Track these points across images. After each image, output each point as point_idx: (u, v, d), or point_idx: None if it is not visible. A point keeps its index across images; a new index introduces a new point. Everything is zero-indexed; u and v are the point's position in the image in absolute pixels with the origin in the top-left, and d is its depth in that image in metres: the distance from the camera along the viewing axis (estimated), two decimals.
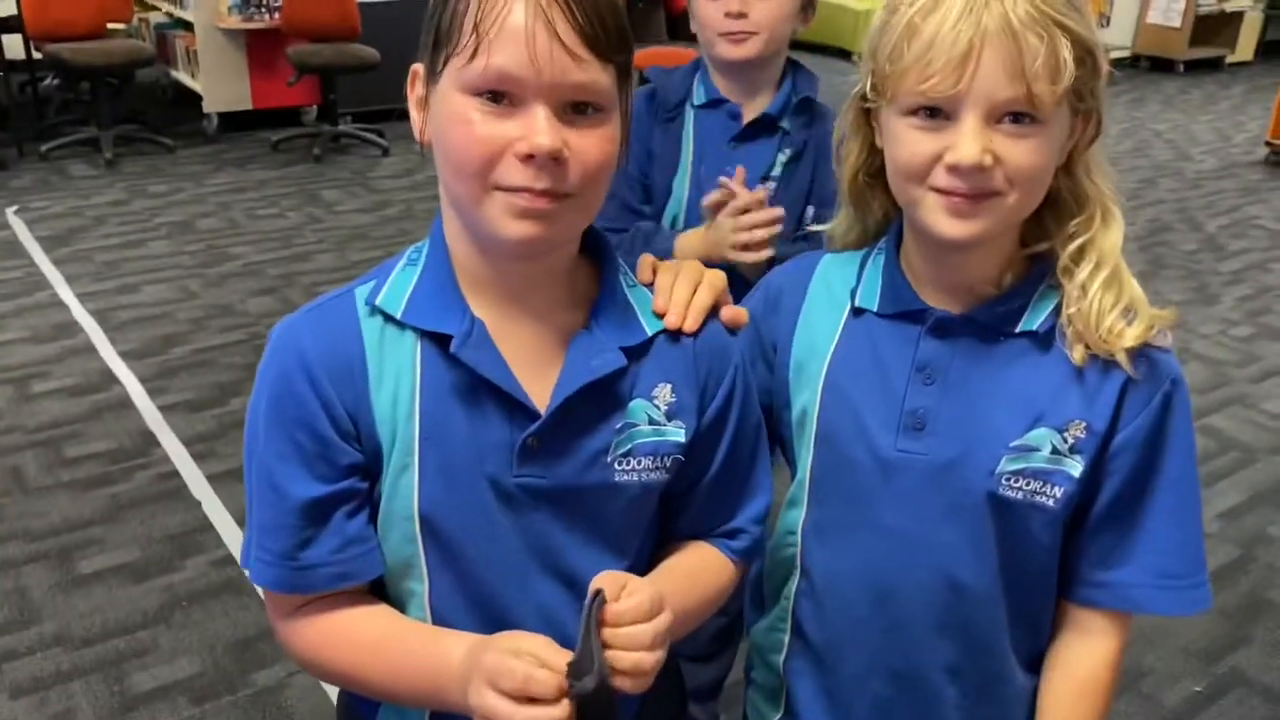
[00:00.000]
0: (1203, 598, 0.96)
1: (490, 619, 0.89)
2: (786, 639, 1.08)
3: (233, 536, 2.69)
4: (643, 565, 0.96)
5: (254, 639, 2.34)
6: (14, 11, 5.69)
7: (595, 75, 0.80)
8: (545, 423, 0.87)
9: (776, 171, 1.58)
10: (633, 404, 0.90)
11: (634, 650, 0.78)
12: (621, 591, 0.80)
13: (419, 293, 0.88)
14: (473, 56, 0.79)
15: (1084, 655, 0.99)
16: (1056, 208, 0.94)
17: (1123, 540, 0.95)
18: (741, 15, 1.52)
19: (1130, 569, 0.95)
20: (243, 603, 2.45)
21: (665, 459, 0.92)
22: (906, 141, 0.90)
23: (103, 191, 5.24)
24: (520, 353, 0.87)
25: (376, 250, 4.63)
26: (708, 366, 0.94)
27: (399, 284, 0.89)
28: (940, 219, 0.89)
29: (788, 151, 1.60)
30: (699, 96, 1.63)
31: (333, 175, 5.67)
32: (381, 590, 0.93)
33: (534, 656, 0.76)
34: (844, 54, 8.98)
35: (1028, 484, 0.93)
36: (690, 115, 1.64)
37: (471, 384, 0.86)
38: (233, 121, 6.26)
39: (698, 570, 0.97)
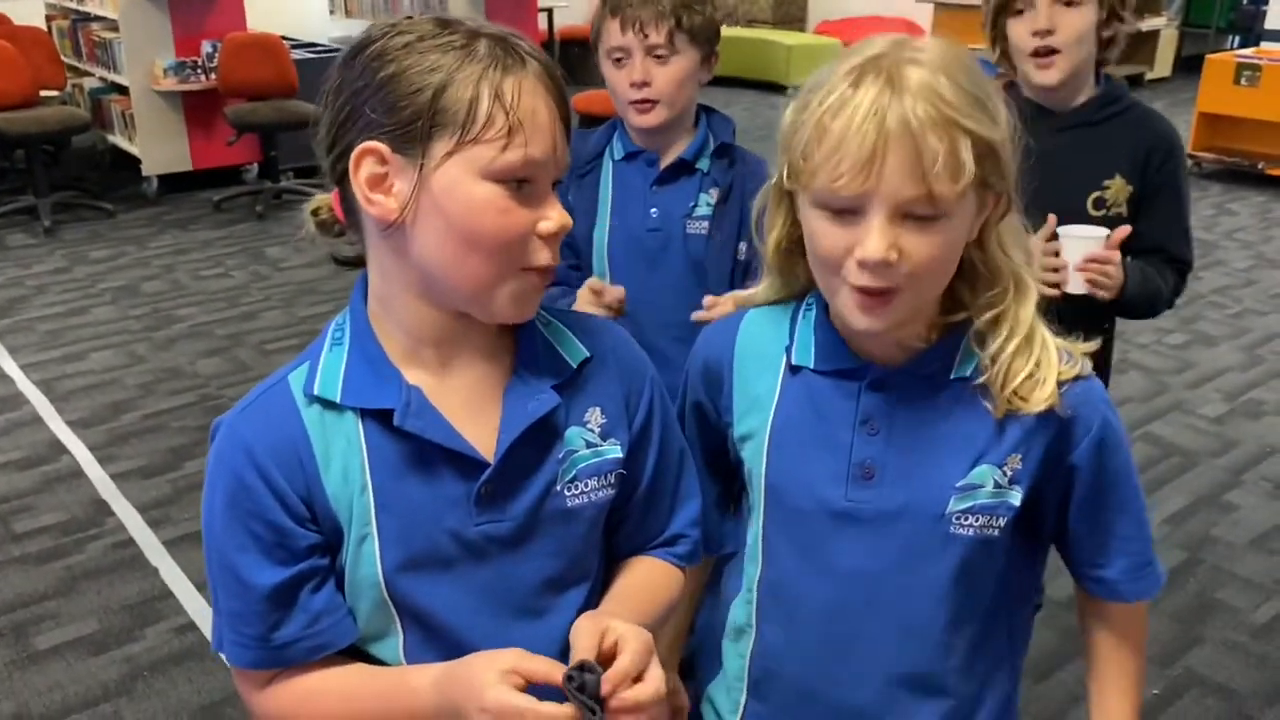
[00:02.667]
0: (1160, 575, 1.09)
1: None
2: (743, 700, 1.11)
3: (194, 603, 2.66)
4: (600, 585, 1.01)
5: (220, 703, 2.32)
6: None
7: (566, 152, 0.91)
8: (495, 469, 0.91)
9: (704, 212, 1.66)
10: (569, 432, 0.96)
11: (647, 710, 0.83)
12: (604, 640, 0.85)
13: (352, 372, 0.91)
14: (506, 148, 0.85)
15: (1106, 639, 1.11)
16: (971, 278, 0.98)
17: (1098, 544, 1.06)
18: (644, 84, 1.61)
19: (1109, 569, 1.07)
20: (206, 668, 2.43)
21: (609, 475, 0.98)
22: (820, 234, 0.93)
23: (43, 260, 5.19)
24: (458, 409, 0.92)
25: (325, 305, 4.62)
26: (628, 384, 1.01)
27: (330, 367, 0.92)
28: (853, 313, 0.94)
29: (713, 193, 1.68)
30: (618, 151, 1.73)
31: (277, 232, 5.66)
32: (358, 652, 0.95)
33: (535, 712, 0.80)
34: (777, 88, 9.15)
35: (976, 519, 0.99)
36: (609, 168, 1.73)
37: (419, 449, 0.90)
38: (173, 183, 6.23)
39: (652, 586, 1.03)
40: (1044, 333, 0.98)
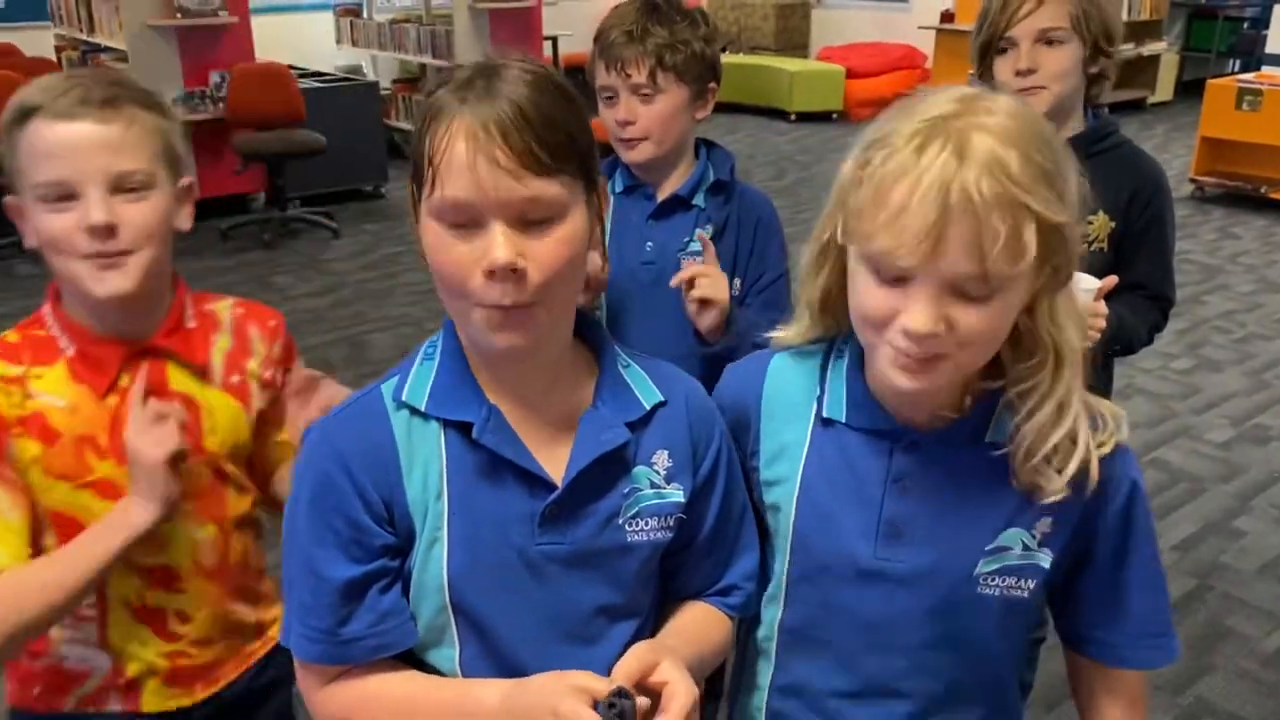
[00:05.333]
0: (1177, 647, 1.07)
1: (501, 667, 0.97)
2: None
3: None
4: (651, 624, 1.04)
5: None
6: None
7: (540, 189, 0.87)
8: (562, 493, 0.95)
9: (697, 247, 1.68)
10: (636, 470, 0.99)
11: None
12: (651, 675, 0.88)
13: (438, 386, 0.96)
14: (433, 189, 0.88)
15: (1117, 697, 1.07)
16: (1013, 344, 0.96)
17: (1109, 611, 1.04)
18: (629, 123, 1.65)
19: (1120, 634, 1.05)
20: None
21: (669, 519, 1.01)
22: (867, 294, 0.92)
23: None
24: (534, 432, 0.97)
25: (332, 333, 4.65)
26: (697, 432, 1.03)
27: (420, 379, 0.97)
28: (892, 372, 0.92)
29: (709, 229, 1.70)
30: (618, 184, 1.75)
31: (284, 260, 5.70)
32: (416, 661, 0.99)
33: None
34: (780, 113, 9.21)
35: (1003, 580, 0.99)
36: (610, 200, 1.74)
37: (493, 463, 0.95)
38: None
39: (704, 629, 1.06)
40: (1078, 408, 0.95)
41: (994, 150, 0.85)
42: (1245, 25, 9.77)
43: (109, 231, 1.15)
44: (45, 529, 1.23)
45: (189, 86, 6.08)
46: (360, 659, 0.96)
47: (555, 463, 0.96)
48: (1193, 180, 6.78)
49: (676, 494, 1.01)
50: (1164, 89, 9.70)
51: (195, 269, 5.46)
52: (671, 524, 1.01)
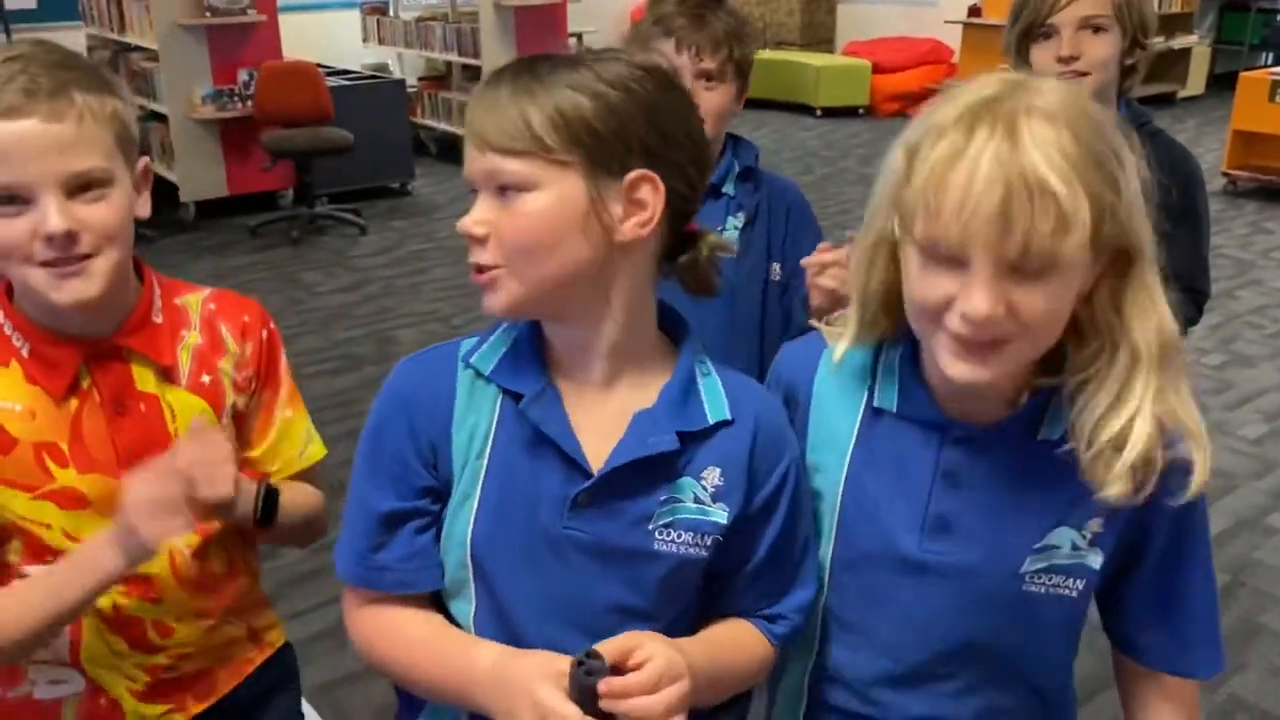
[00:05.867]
0: (1221, 664, 1.07)
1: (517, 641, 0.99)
2: (801, 708, 1.13)
3: None
4: (675, 635, 1.00)
5: None
6: None
7: (502, 162, 0.93)
8: (596, 483, 0.96)
9: (731, 235, 1.68)
10: (681, 480, 0.98)
11: None
12: (632, 655, 0.87)
13: (508, 356, 1.01)
14: None
15: (1172, 702, 1.06)
16: (1075, 337, 0.94)
17: (1161, 614, 1.03)
18: None
19: (1166, 639, 1.04)
20: None
21: (705, 537, 0.99)
22: (922, 280, 0.91)
23: None
24: (588, 419, 0.98)
25: (359, 329, 4.67)
26: (762, 455, 1.01)
27: (495, 346, 1.02)
28: (950, 362, 0.91)
29: (740, 216, 1.70)
30: None
31: (312, 257, 5.73)
32: (442, 609, 1.03)
33: None
34: (805, 109, 9.18)
35: (1050, 579, 0.99)
36: None
37: (537, 440, 0.97)
38: (210, 209, 6.33)
39: (737, 643, 1.04)
40: (1142, 403, 0.91)
41: (1046, 133, 0.85)
42: (1278, 17, 9.65)
43: (69, 238, 1.05)
44: (8, 540, 1.15)
45: (218, 84, 6.13)
46: (387, 589, 1.01)
47: (601, 453, 0.97)
48: (1225, 174, 6.71)
49: (720, 514, 0.99)
50: (1195, 82, 9.59)
51: (224, 266, 5.52)
52: (707, 543, 0.99)
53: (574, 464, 0.96)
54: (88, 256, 1.08)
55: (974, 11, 8.80)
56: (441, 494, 1.00)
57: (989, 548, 0.99)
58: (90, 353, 1.15)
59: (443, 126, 7.92)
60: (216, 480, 1.06)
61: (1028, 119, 0.85)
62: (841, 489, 1.04)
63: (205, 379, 1.21)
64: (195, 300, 1.25)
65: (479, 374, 1.00)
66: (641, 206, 0.95)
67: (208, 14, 5.97)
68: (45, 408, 1.13)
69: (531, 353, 1.00)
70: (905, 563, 1.01)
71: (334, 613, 2.69)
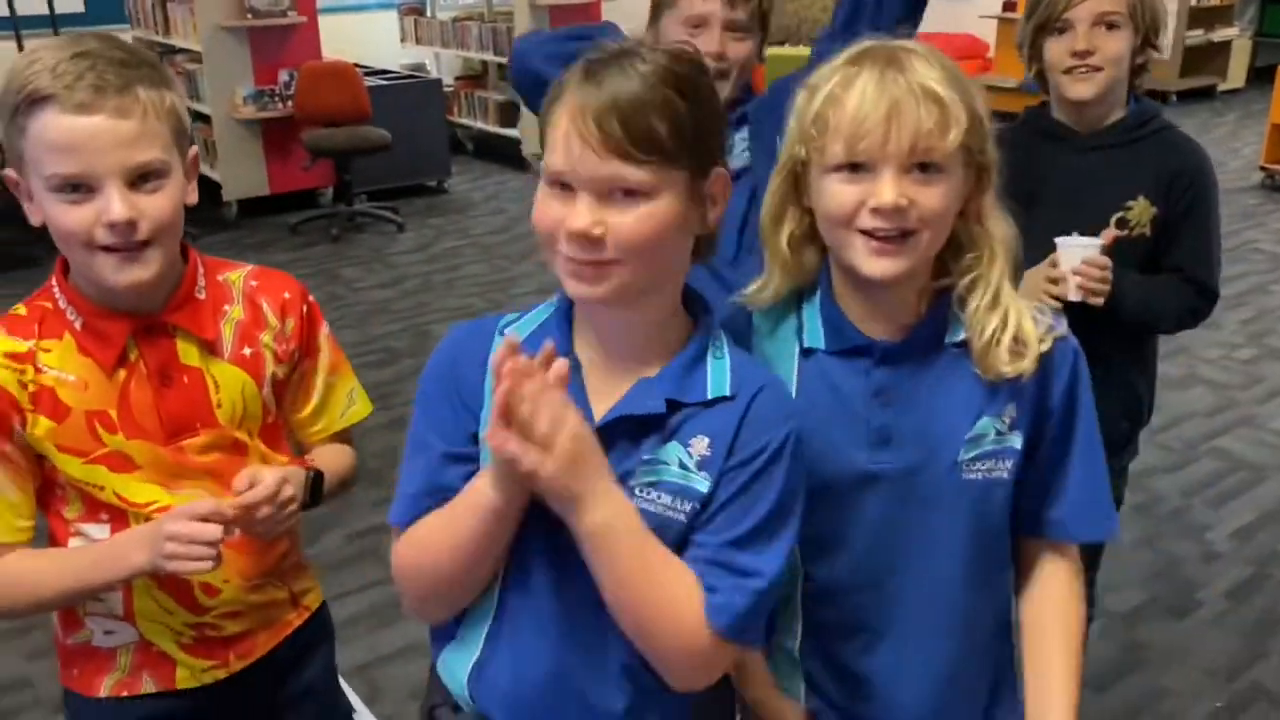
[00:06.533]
0: (1114, 519, 1.24)
1: (530, 584, 1.06)
2: (799, 632, 1.21)
3: None
4: None
5: None
6: None
7: (624, 172, 0.97)
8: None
9: (741, 148, 1.71)
10: (669, 444, 1.03)
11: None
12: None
13: (541, 327, 1.09)
14: (545, 154, 1.02)
15: (1051, 579, 1.20)
16: (954, 248, 1.12)
17: (1055, 487, 1.18)
18: (722, 56, 1.67)
19: (1063, 508, 1.18)
20: None
21: (685, 504, 1.03)
22: (835, 194, 1.07)
23: None
24: (605, 387, 1.05)
25: (397, 324, 4.77)
26: (750, 431, 1.03)
27: (533, 318, 1.11)
28: (867, 260, 1.07)
29: (745, 130, 1.72)
30: None
31: (351, 254, 5.84)
32: None
33: None
34: None
35: (983, 464, 1.14)
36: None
37: None
38: (251, 207, 6.47)
39: (669, 561, 1.01)
40: (1011, 296, 1.12)
41: (918, 59, 1.05)
42: None
43: (129, 226, 1.14)
44: (67, 501, 1.26)
45: (259, 85, 6.26)
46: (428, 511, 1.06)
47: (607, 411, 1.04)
48: (1263, 168, 6.64)
49: (703, 482, 1.02)
50: (1235, 76, 9.48)
51: (265, 263, 5.59)
52: (686, 510, 1.02)
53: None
54: (145, 244, 1.16)
55: (1008, 6, 8.77)
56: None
57: (926, 448, 1.13)
58: (138, 327, 1.23)
59: (479, 125, 8.01)
60: (278, 525, 1.24)
61: (906, 55, 1.06)
62: None
63: (246, 351, 1.30)
64: (237, 277, 1.34)
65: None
66: (715, 201, 1.04)
67: (249, 16, 6.10)
68: (96, 378, 1.22)
69: (564, 324, 1.08)
70: (860, 477, 1.13)
71: (370, 596, 2.78)
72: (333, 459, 1.39)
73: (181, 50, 6.70)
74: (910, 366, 1.13)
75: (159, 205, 1.17)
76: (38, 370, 1.21)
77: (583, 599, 1.02)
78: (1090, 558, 1.86)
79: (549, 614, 1.05)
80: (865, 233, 1.06)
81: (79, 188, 1.14)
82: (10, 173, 1.20)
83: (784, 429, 1.04)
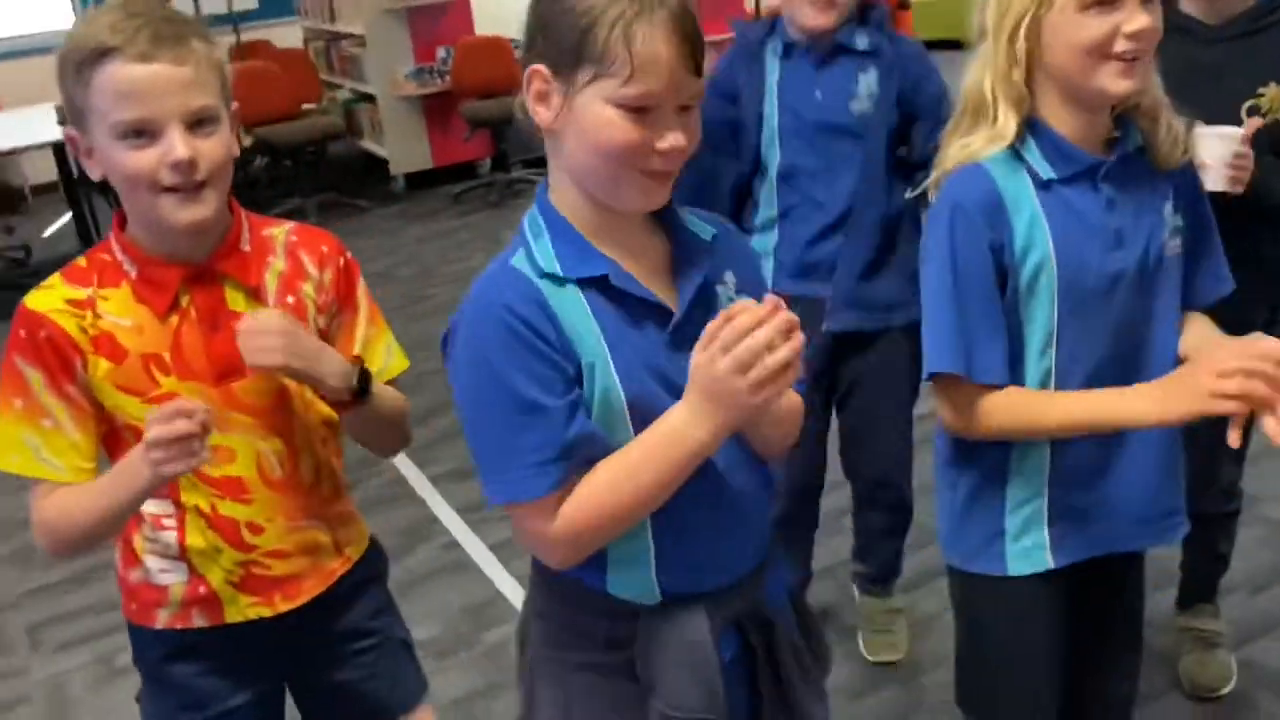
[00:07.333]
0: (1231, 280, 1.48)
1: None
2: (1048, 458, 1.42)
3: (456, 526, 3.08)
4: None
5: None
6: None
7: (697, 85, 1.08)
8: (682, 315, 1.12)
9: (862, 91, 1.97)
10: (717, 290, 1.17)
11: None
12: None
13: (561, 254, 1.11)
14: (627, 83, 1.03)
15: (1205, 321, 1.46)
16: None
17: (1200, 254, 1.44)
18: None
19: (1205, 276, 1.45)
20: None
21: None
22: (1090, 25, 1.26)
23: None
24: (638, 274, 1.13)
25: None
26: (746, 264, 1.24)
27: (543, 251, 1.12)
28: (1115, 81, 1.27)
29: (872, 72, 1.98)
30: (779, 43, 2.04)
31: (511, 218, 6.05)
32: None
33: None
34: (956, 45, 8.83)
35: (1174, 241, 1.40)
36: (772, 57, 2.05)
37: (626, 305, 1.11)
38: (417, 180, 6.84)
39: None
40: (1162, 100, 1.37)
41: None
42: None
43: (191, 165, 1.21)
44: (126, 443, 1.30)
45: (419, 63, 6.60)
46: (575, 472, 1.08)
47: (666, 296, 1.13)
48: None
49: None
50: None
51: (431, 230, 5.96)
52: None
53: (661, 311, 1.12)
54: (202, 185, 1.25)
55: None
56: (578, 378, 1.09)
57: (1144, 240, 1.37)
58: (189, 275, 1.30)
59: None
60: (261, 353, 1.27)
61: None
62: (1053, 258, 1.34)
63: (289, 299, 1.37)
64: (280, 232, 1.41)
65: (548, 276, 1.09)
66: None
67: None
68: (151, 323, 1.30)
69: (578, 241, 1.11)
70: (1111, 279, 1.36)
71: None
72: (384, 391, 1.44)
73: (345, 36, 7.11)
74: (1120, 176, 1.35)
75: (214, 148, 1.25)
76: (97, 316, 1.28)
77: (715, 465, 1.13)
78: (1236, 453, 1.86)
79: (690, 492, 1.11)
80: (1116, 56, 1.25)
81: (142, 134, 1.21)
82: (71, 130, 1.28)
83: (756, 256, 1.26)
